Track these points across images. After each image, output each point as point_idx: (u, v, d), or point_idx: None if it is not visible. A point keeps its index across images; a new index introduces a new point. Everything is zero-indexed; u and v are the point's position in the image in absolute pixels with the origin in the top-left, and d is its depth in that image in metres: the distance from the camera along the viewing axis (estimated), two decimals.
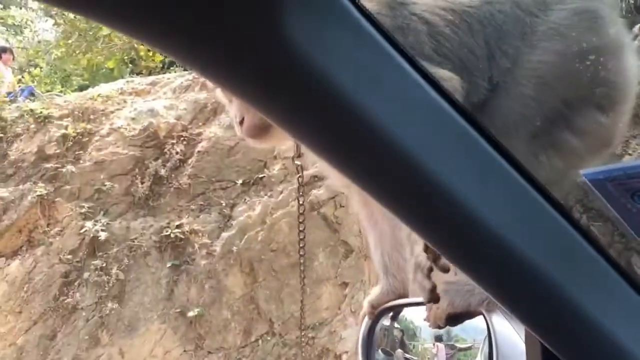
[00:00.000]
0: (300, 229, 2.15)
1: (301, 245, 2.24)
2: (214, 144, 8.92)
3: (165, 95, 9.76)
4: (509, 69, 1.51)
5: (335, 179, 1.92)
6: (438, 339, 1.75)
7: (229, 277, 7.93)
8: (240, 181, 8.65)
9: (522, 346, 1.26)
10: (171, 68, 11.56)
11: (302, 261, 2.28)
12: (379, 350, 1.67)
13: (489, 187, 0.83)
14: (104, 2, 0.63)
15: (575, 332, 0.93)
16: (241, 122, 1.85)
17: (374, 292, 1.80)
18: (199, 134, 9.11)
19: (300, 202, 2.09)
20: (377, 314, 1.69)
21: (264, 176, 8.67)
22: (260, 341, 7.72)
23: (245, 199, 8.50)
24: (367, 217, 1.82)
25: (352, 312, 7.77)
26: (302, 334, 5.71)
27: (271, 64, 0.68)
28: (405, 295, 1.80)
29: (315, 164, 8.65)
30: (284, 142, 1.95)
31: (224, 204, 8.46)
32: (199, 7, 0.63)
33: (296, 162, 1.89)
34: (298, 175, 2.01)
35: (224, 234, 8.16)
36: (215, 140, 8.93)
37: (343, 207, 8.21)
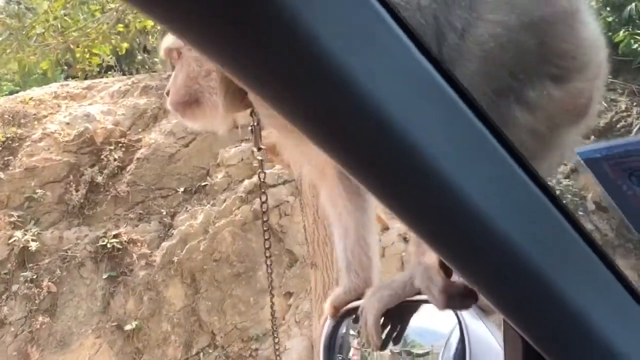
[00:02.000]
0: (264, 225, 2.02)
1: (267, 247, 2.10)
2: (154, 151, 8.64)
3: (103, 100, 9.40)
4: (457, 45, 1.41)
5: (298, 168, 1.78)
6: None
7: (169, 288, 7.65)
8: (181, 189, 8.41)
9: (496, 347, 1.18)
10: (109, 72, 11.20)
11: (268, 263, 2.14)
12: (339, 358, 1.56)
13: (487, 178, 0.75)
14: None
15: (567, 333, 0.86)
16: (167, 94, 1.76)
17: (336, 292, 1.68)
18: (139, 140, 8.81)
19: (263, 201, 1.97)
20: (339, 316, 1.58)
21: (207, 184, 8.46)
22: (201, 354, 7.47)
23: (186, 208, 8.26)
24: (332, 212, 1.70)
25: (297, 322, 7.65)
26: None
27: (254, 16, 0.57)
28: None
29: (254, 174, 8.47)
30: (209, 125, 1.82)
31: (164, 213, 8.19)
32: None
33: (257, 155, 1.78)
34: (259, 171, 1.91)
35: (165, 244, 7.89)
36: (156, 147, 8.65)
37: (288, 215, 8.10)
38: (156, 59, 12.79)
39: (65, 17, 6.88)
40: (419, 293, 1.38)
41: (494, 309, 1.33)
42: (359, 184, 0.73)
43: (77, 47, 6.80)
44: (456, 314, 1.20)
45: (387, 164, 0.68)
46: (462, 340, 1.16)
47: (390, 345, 1.54)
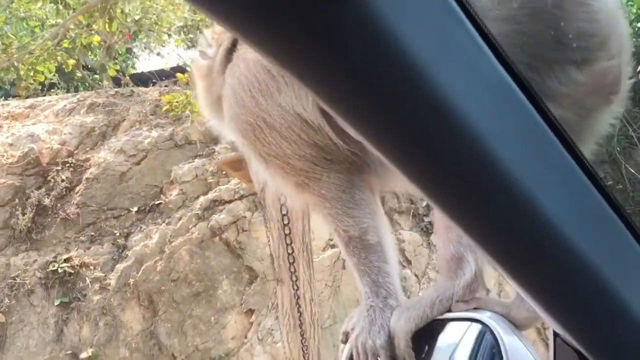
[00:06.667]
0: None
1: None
2: (104, 170, 8.35)
3: (47, 119, 9.04)
4: None
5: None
6: None
7: (126, 312, 7.38)
8: (134, 209, 8.15)
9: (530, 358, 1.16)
10: (52, 90, 10.82)
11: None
12: None
13: (545, 173, 0.73)
14: None
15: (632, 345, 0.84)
16: None
17: (350, 315, 1.62)
18: (87, 160, 8.50)
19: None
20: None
21: (161, 202, 8.24)
22: None
23: (141, 228, 8.01)
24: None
25: (260, 339, 7.51)
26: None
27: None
28: None
29: (215, 189, 8.30)
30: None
31: (117, 234, 7.91)
32: None
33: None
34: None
35: (119, 266, 7.62)
36: (106, 166, 8.37)
37: (246, 231, 7.97)
38: (97, 76, 12.44)
39: (8, 34, 6.61)
40: (448, 311, 1.35)
41: (527, 325, 1.31)
42: (432, 200, 0.70)
43: (22, 64, 6.52)
44: (491, 329, 1.17)
45: (462, 168, 0.66)
46: (499, 354, 1.13)
47: None
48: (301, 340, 5.03)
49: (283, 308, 5.56)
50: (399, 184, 1.70)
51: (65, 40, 7.06)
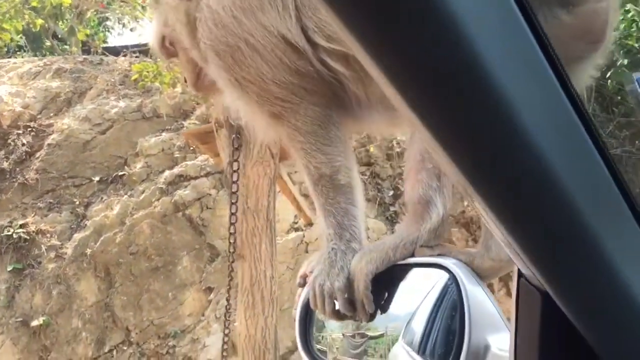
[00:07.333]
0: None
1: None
2: (67, 137, 8.14)
3: (11, 81, 8.77)
4: None
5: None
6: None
7: (81, 282, 7.22)
8: (96, 178, 7.97)
9: (494, 311, 1.13)
10: (18, 53, 10.51)
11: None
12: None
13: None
14: None
15: (598, 287, 0.82)
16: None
17: (310, 259, 1.56)
18: (50, 125, 8.28)
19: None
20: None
21: (124, 174, 8.07)
22: (115, 351, 7.09)
23: (102, 198, 7.83)
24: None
25: (217, 318, 7.43)
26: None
27: None
28: None
29: (181, 164, 8.16)
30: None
31: (77, 203, 7.73)
32: None
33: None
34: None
35: (76, 235, 7.44)
36: (69, 133, 8.16)
37: (210, 208, 7.87)
38: (67, 46, 12.10)
39: None
40: (411, 256, 1.31)
41: (490, 275, 1.29)
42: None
43: None
44: (456, 280, 1.14)
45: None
46: (461, 304, 1.10)
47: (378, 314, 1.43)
48: (225, 322, 5.01)
49: (242, 285, 5.51)
50: (374, 125, 1.66)
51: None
